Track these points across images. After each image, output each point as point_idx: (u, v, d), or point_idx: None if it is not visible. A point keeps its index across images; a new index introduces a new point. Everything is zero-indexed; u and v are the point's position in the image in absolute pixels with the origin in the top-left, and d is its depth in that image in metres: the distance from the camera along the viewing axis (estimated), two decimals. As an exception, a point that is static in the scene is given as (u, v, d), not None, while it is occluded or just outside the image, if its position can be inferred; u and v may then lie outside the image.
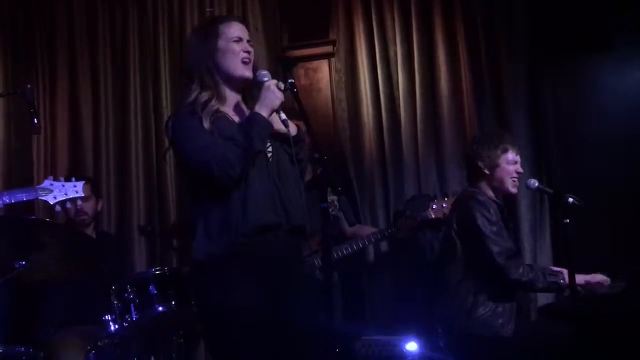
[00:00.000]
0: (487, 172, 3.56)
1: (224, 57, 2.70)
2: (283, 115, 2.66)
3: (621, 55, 4.48)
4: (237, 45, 2.72)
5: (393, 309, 4.53)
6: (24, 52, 5.07)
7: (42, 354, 3.32)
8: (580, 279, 3.34)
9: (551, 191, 3.52)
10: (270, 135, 2.68)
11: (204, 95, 2.66)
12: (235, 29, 2.74)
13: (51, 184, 3.15)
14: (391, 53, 4.79)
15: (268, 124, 2.63)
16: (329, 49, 4.88)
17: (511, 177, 3.55)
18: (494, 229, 3.39)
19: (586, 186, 4.07)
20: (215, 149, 2.55)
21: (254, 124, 2.59)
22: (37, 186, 3.15)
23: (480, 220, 3.39)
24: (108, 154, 4.95)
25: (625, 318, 3.38)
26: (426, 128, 4.67)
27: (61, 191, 3.15)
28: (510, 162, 3.55)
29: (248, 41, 2.76)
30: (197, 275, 2.64)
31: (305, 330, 2.57)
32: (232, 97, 2.76)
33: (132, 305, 3.41)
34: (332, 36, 4.90)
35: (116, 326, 3.41)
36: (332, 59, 4.90)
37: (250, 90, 2.78)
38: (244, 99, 2.80)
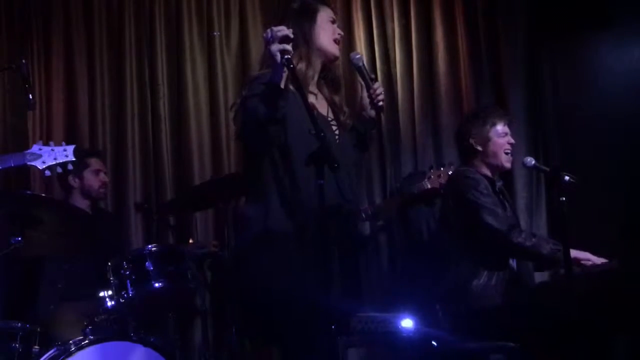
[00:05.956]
0: (479, 148, 3.54)
1: (322, 31, 2.81)
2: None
3: (620, 33, 4.45)
4: (332, 25, 2.84)
5: (389, 286, 4.54)
6: (20, 28, 5.01)
7: (38, 329, 3.34)
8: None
9: (547, 169, 3.50)
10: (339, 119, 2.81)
11: (301, 65, 2.73)
12: (330, 12, 2.87)
13: (40, 149, 3.04)
14: (389, 30, 4.77)
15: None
16: (326, 25, 4.84)
17: (504, 150, 3.55)
18: (488, 200, 3.39)
19: (583, 165, 4.07)
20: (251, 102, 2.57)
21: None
22: (26, 151, 3.04)
23: (474, 195, 3.39)
24: (104, 131, 4.92)
25: (619, 296, 3.39)
26: (423, 105, 4.66)
27: (50, 156, 3.04)
28: (501, 135, 3.54)
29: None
30: (256, 246, 2.64)
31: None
32: (315, 74, 2.83)
33: (128, 281, 3.42)
34: (329, 12, 4.86)
35: (112, 302, 3.42)
36: (330, 36, 4.86)
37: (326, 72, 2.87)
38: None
